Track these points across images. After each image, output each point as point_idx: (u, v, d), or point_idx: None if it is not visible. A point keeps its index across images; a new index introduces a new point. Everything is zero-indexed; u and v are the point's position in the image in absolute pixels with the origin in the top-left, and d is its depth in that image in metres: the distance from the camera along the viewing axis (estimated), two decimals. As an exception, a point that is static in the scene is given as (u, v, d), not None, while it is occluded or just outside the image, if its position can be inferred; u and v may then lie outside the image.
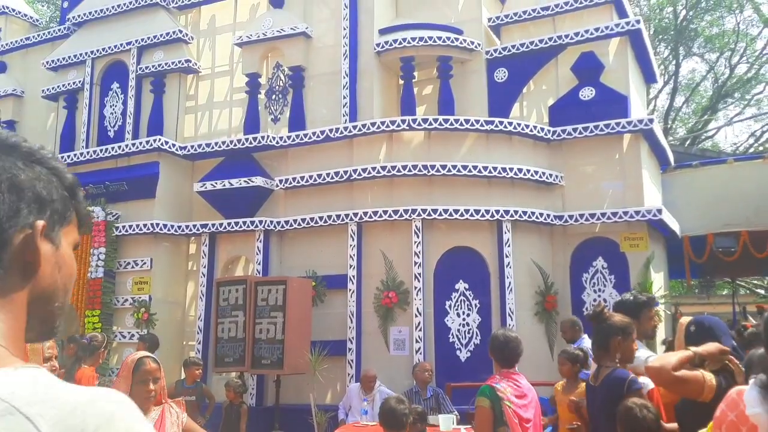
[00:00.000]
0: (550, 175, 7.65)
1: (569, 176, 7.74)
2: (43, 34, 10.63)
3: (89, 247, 8.47)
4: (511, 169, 7.44)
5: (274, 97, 8.95)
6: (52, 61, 9.80)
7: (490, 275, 7.30)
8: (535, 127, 7.71)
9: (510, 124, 7.62)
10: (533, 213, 7.40)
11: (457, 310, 7.26)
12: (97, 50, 9.48)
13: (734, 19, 21.24)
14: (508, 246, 7.27)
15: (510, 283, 7.19)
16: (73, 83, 9.61)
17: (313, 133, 8.07)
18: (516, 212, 7.31)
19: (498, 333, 3.54)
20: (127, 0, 9.44)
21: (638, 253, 7.30)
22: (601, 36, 7.82)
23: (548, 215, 7.47)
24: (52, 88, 9.79)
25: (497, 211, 7.27)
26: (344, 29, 8.41)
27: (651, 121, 7.45)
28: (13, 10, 11.27)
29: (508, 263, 7.23)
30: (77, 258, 8.65)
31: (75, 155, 8.98)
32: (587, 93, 7.74)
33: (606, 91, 7.70)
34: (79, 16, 9.80)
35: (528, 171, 7.51)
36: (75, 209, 0.81)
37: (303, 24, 8.55)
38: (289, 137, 8.22)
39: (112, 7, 9.52)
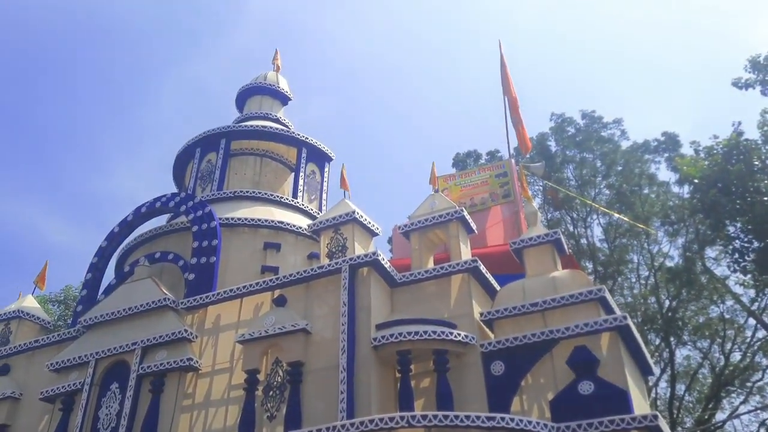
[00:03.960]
0: (560, 476, 7.21)
1: (580, 476, 7.28)
2: (52, 336, 10.93)
3: None
4: (517, 469, 7.04)
5: (271, 393, 8.88)
6: (56, 362, 9.94)
7: None
8: (538, 423, 7.52)
9: (512, 420, 7.44)
10: None
11: None
12: (103, 351, 9.70)
13: (719, 308, 22.05)
14: None
15: None
16: (72, 385, 9.61)
17: (309, 432, 7.81)
18: None
19: None
20: (139, 303, 9.99)
21: None
22: (591, 331, 8.10)
23: None
24: (51, 390, 9.75)
25: None
26: (342, 325, 8.72)
27: (656, 417, 7.29)
28: (27, 314, 11.78)
29: None
30: None
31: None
32: (586, 387, 7.72)
33: (604, 385, 7.69)
34: (90, 318, 10.24)
35: (535, 471, 7.10)
36: None
37: (304, 321, 8.91)
38: (284, 437, 7.94)
39: (124, 309, 10.02)
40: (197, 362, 9.41)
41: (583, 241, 24.57)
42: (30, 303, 12.15)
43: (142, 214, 12.05)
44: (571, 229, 24.77)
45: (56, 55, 47.16)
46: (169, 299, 9.94)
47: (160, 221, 12.97)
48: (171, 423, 8.93)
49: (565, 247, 9.81)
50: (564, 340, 8.18)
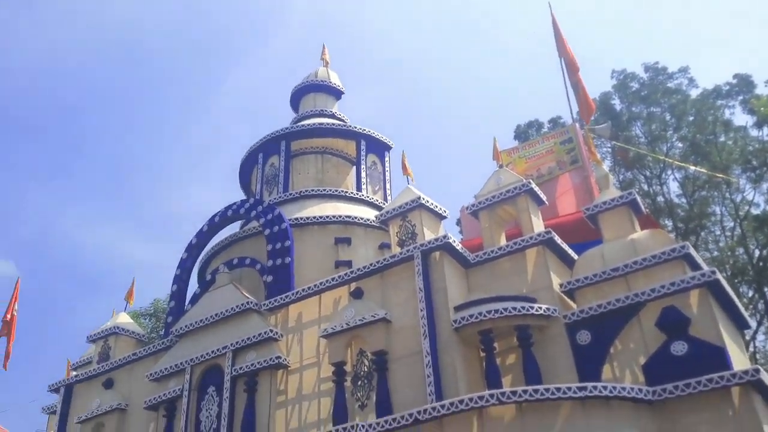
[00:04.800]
0: (662, 440, 7.02)
1: (683, 439, 7.07)
2: (148, 348, 11.52)
3: None
4: (616, 438, 6.91)
5: (359, 383, 9.05)
6: (155, 372, 10.48)
7: None
8: (632, 389, 7.34)
9: (605, 387, 7.30)
10: (652, 487, 6.63)
11: None
12: (196, 357, 10.16)
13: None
14: None
15: None
16: (172, 392, 10.11)
17: (402, 417, 7.90)
18: (633, 487, 6.58)
19: None
20: (224, 309, 10.37)
21: None
22: (679, 290, 7.82)
23: (670, 488, 6.68)
24: (154, 399, 10.30)
25: (611, 489, 6.57)
26: (421, 311, 8.77)
27: (757, 371, 6.98)
28: (123, 330, 12.46)
29: None
30: None
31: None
32: (679, 348, 7.47)
33: (699, 344, 7.42)
34: (181, 328, 10.73)
35: (635, 438, 6.93)
36: None
37: (382, 310, 9.01)
38: (378, 423, 8.06)
39: (211, 316, 10.44)
40: (286, 360, 9.70)
41: (660, 198, 23.63)
42: (124, 319, 12.83)
43: (216, 223, 12.46)
44: (645, 188, 23.86)
45: (114, 81, 49.29)
46: (251, 302, 10.27)
47: (233, 228, 13.39)
48: (268, 419, 9.27)
49: (642, 206, 9.48)
50: (651, 302, 7.94)
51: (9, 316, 18.96)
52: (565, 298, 8.90)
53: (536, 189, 9.90)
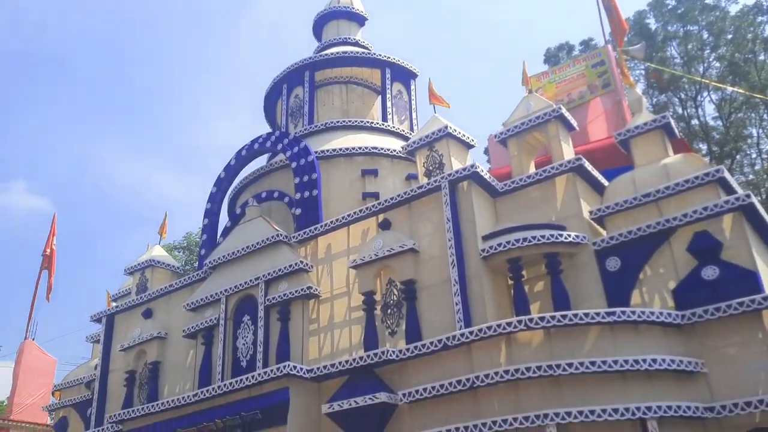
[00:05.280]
0: (689, 363, 7.10)
1: (711, 362, 7.14)
2: (184, 280, 11.85)
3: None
4: (644, 360, 6.99)
5: (389, 311, 9.24)
6: (192, 302, 10.82)
7: (645, 484, 6.51)
8: (661, 313, 7.36)
9: (633, 312, 7.34)
10: (679, 407, 6.76)
11: None
12: (230, 288, 10.43)
13: None
14: (659, 447, 6.56)
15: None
16: (209, 320, 10.47)
17: (431, 343, 8.09)
18: (660, 407, 6.71)
19: None
20: (255, 241, 10.55)
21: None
22: (712, 214, 7.69)
23: (697, 407, 6.80)
24: (192, 327, 10.69)
25: (638, 408, 6.71)
26: (449, 240, 8.81)
27: (789, 294, 6.94)
28: (158, 262, 12.82)
29: (663, 467, 6.47)
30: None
31: (212, 389, 9.37)
32: (710, 272, 7.42)
33: (730, 268, 7.36)
34: (214, 260, 10.98)
35: (663, 360, 7.02)
36: None
37: (410, 241, 9.08)
38: (407, 349, 8.28)
39: (242, 249, 10.65)
40: (317, 290, 9.91)
41: (695, 122, 22.95)
42: (159, 252, 13.18)
43: (243, 157, 12.51)
44: (680, 111, 23.16)
45: (140, 15, 48.68)
46: (281, 234, 10.42)
47: (261, 162, 13.45)
48: (302, 346, 9.58)
49: (676, 130, 9.22)
50: (682, 228, 7.84)
51: (48, 250, 19.61)
52: (595, 225, 8.83)
53: (567, 114, 9.67)
